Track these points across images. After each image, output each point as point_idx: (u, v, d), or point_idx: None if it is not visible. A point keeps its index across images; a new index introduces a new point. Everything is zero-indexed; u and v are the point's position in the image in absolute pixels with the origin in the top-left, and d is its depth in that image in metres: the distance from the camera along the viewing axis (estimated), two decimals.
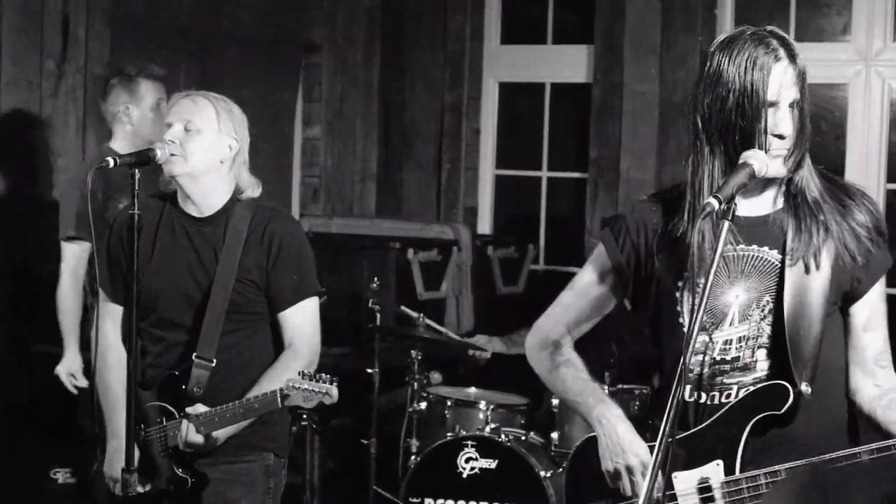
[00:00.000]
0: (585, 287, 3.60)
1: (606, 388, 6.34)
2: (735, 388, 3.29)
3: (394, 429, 6.68)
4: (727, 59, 3.24)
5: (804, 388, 3.18)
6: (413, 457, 6.47)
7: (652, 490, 2.95)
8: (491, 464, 6.26)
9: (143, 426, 4.35)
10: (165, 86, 6.26)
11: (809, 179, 3.30)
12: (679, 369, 2.97)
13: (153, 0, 7.30)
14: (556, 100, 8.55)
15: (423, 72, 8.68)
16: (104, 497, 4.42)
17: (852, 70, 7.66)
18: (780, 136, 3.20)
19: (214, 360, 4.32)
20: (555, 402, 6.40)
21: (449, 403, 6.51)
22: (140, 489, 4.24)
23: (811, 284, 3.25)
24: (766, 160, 3.18)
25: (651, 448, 3.28)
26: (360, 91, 8.47)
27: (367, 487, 6.60)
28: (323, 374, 4.06)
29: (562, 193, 8.59)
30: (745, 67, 3.21)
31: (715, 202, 3.00)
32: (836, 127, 7.73)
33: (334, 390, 4.06)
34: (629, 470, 3.37)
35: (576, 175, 8.39)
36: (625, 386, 6.38)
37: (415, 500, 6.32)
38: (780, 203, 3.33)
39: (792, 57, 3.25)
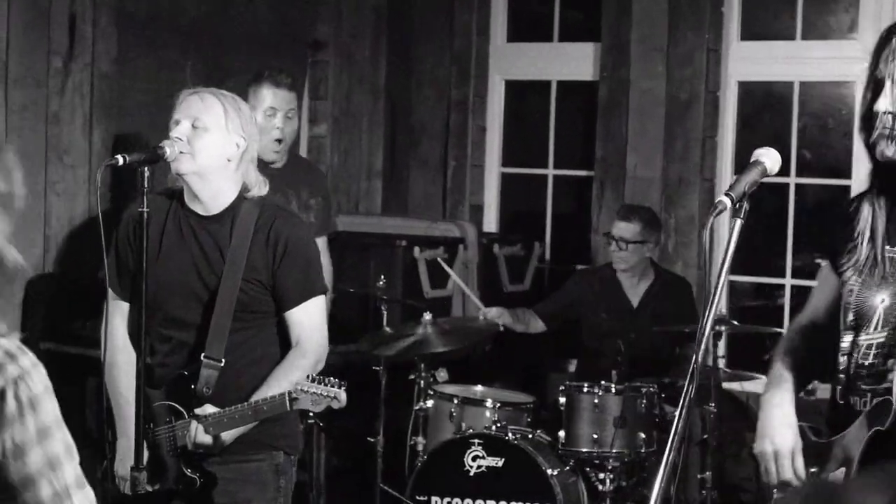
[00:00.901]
0: (816, 287, 3.55)
1: (613, 385, 6.33)
2: (869, 395, 3.23)
3: (400, 427, 6.68)
4: None
5: None
6: (420, 455, 6.47)
7: (661, 482, 2.90)
8: (498, 462, 6.26)
9: (151, 425, 4.35)
10: (171, 82, 6.26)
11: None
12: (691, 367, 2.96)
13: None
14: (562, 97, 8.54)
15: (429, 69, 8.67)
16: (113, 496, 4.41)
17: (859, 67, 7.62)
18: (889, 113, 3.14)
19: (223, 360, 4.31)
20: (562, 399, 6.40)
21: (455, 401, 6.51)
22: (149, 488, 4.24)
23: None
24: (778, 158, 3.15)
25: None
26: (367, 89, 8.47)
27: (374, 485, 6.59)
28: (331, 378, 4.06)
29: (568, 191, 8.58)
30: None
31: (727, 200, 2.98)
32: (844, 124, 7.72)
33: (343, 395, 4.06)
34: (762, 455, 3.35)
35: (582, 173, 8.38)
36: (632, 384, 6.37)
37: (421, 498, 6.32)
38: None
39: None
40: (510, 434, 6.28)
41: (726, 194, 3.00)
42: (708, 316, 2.97)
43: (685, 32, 7.78)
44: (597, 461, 6.32)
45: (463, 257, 7.87)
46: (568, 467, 6.29)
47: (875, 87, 3.15)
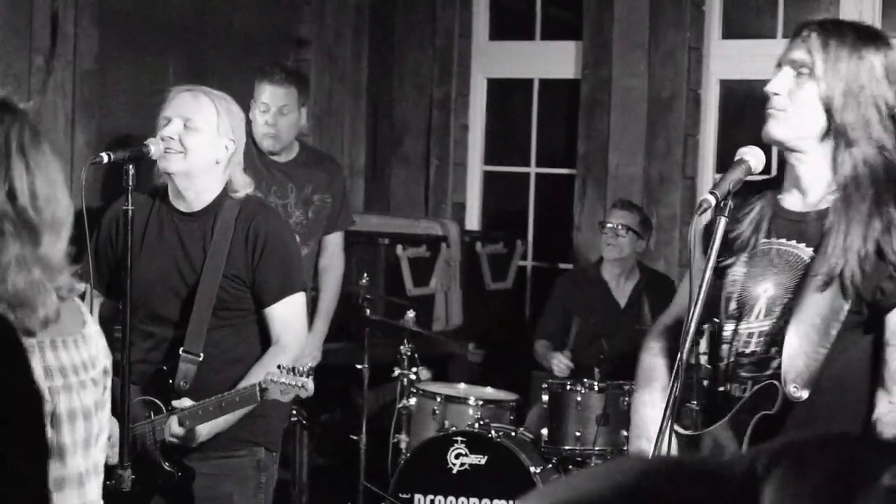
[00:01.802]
0: (685, 283, 3.58)
1: (596, 383, 6.35)
2: (750, 383, 3.26)
3: (383, 424, 6.69)
4: None
5: (792, 390, 3.12)
6: (403, 452, 6.47)
7: None
8: (481, 459, 6.26)
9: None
10: (153, 80, 6.23)
11: (857, 168, 3.17)
12: (676, 365, 2.97)
13: None
14: (544, 95, 8.55)
15: (411, 67, 8.67)
16: None
17: None
18: (774, 94, 3.20)
19: (202, 355, 4.32)
20: (544, 397, 6.41)
21: (438, 399, 6.51)
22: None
23: (833, 289, 3.15)
24: (762, 157, 3.17)
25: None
26: (349, 87, 8.47)
27: (357, 483, 6.60)
28: (299, 367, 4.09)
29: (550, 189, 8.59)
30: None
31: (712, 198, 3.00)
32: None
33: (310, 384, 4.08)
34: (641, 454, 3.38)
35: (564, 171, 8.39)
36: (614, 381, 6.39)
37: (404, 495, 6.33)
38: (831, 197, 3.21)
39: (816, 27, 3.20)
40: (493, 432, 6.29)
41: (711, 193, 3.02)
42: (692, 314, 2.99)
43: (667, 31, 7.80)
44: (580, 458, 6.33)
45: (445, 255, 7.87)
46: (551, 465, 6.30)
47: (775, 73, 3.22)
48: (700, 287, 3.00)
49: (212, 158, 4.33)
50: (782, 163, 3.35)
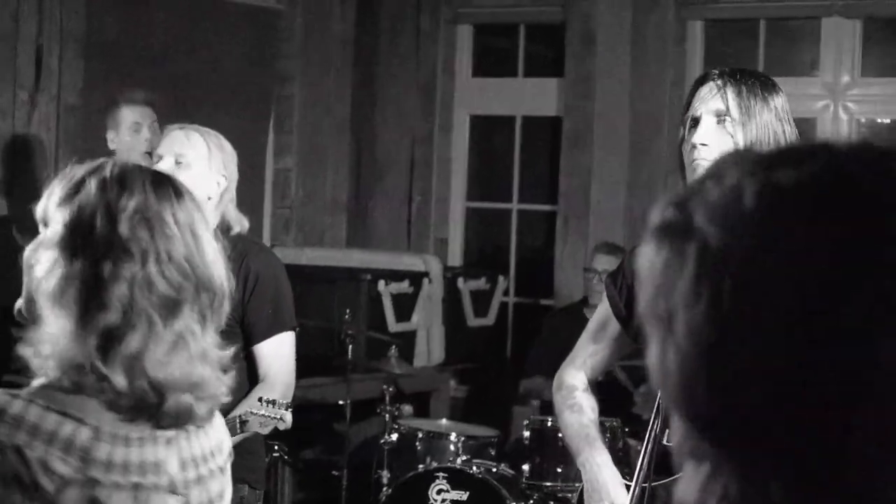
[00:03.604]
0: (596, 331, 3.60)
1: None
2: None
3: (365, 460, 6.68)
4: None
5: None
6: (384, 488, 6.46)
7: None
8: (462, 495, 6.26)
9: None
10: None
11: None
12: (657, 402, 2.99)
13: (127, 30, 7.31)
14: (526, 132, 8.59)
15: (394, 103, 8.71)
16: None
17: (820, 104, 7.73)
18: (702, 144, 3.25)
19: None
20: (526, 433, 6.41)
21: (420, 435, 6.51)
22: None
23: None
24: None
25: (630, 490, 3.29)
26: (332, 122, 8.50)
27: None
28: (278, 400, 4.10)
29: (532, 225, 8.62)
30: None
31: None
32: None
33: (288, 416, 4.11)
34: None
35: (546, 207, 8.42)
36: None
37: None
38: None
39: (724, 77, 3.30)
40: (475, 468, 6.29)
41: None
42: None
43: (648, 67, 7.85)
44: (561, 495, 6.33)
45: (428, 291, 7.89)
46: (532, 501, 6.30)
47: (692, 123, 3.26)
48: None
49: (203, 195, 4.34)
50: None
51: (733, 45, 8.05)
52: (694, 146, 3.24)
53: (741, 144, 3.27)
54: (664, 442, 3.25)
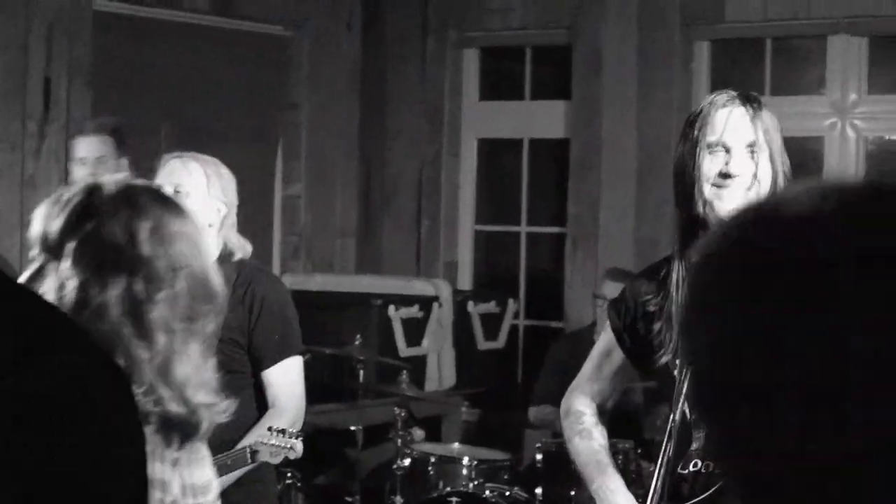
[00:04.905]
0: (600, 358, 3.59)
1: None
2: None
3: (378, 486, 6.67)
4: None
5: None
6: None
7: None
8: None
9: None
10: (146, 143, 6.24)
11: None
12: (669, 425, 2.99)
13: (134, 60, 7.34)
14: (534, 155, 8.59)
15: (402, 128, 8.72)
16: None
17: (827, 123, 7.73)
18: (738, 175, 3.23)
19: None
20: (538, 456, 6.40)
21: (433, 460, 6.50)
22: None
23: None
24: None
25: None
26: (340, 148, 8.51)
27: None
28: (289, 430, 4.11)
29: (541, 248, 8.62)
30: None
31: None
32: (812, 178, 7.77)
33: (299, 445, 4.11)
34: None
35: (555, 230, 8.42)
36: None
37: None
38: None
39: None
40: (488, 491, 6.28)
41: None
42: (685, 373, 3.01)
43: (655, 90, 7.85)
44: None
45: (438, 315, 7.88)
46: None
47: (721, 149, 3.22)
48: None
49: (204, 222, 4.36)
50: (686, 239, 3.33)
51: (739, 65, 8.06)
52: (728, 175, 3.21)
53: (761, 173, 3.25)
54: (679, 470, 3.24)
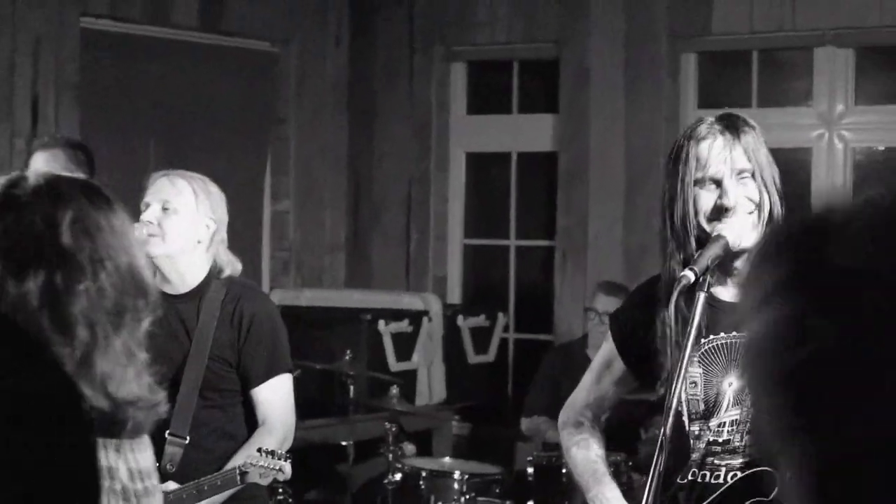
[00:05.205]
0: (600, 369, 3.59)
1: None
2: (724, 469, 3.27)
3: (370, 500, 6.67)
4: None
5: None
6: None
7: None
8: None
9: None
10: (134, 160, 6.26)
11: None
12: (660, 438, 2.99)
13: (121, 76, 7.34)
14: (522, 168, 8.60)
15: (390, 142, 8.73)
16: None
17: (815, 134, 7.74)
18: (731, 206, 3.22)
19: (188, 437, 4.33)
20: (529, 470, 6.40)
21: (424, 474, 6.50)
22: None
23: None
24: (740, 232, 3.20)
25: None
26: (329, 163, 8.52)
27: None
28: (277, 451, 4.12)
29: (530, 261, 8.62)
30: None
31: (691, 274, 3.03)
32: (800, 189, 7.79)
33: (287, 467, 4.12)
34: None
35: (544, 243, 8.43)
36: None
37: None
38: None
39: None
40: None
41: (690, 269, 3.05)
42: (675, 388, 3.01)
43: (643, 102, 7.86)
44: None
45: (427, 329, 7.89)
46: None
47: (711, 183, 3.21)
48: (681, 363, 3.02)
49: (192, 239, 4.36)
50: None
51: (726, 78, 8.07)
52: (725, 209, 3.20)
53: (755, 195, 3.24)
54: (679, 480, 3.25)
